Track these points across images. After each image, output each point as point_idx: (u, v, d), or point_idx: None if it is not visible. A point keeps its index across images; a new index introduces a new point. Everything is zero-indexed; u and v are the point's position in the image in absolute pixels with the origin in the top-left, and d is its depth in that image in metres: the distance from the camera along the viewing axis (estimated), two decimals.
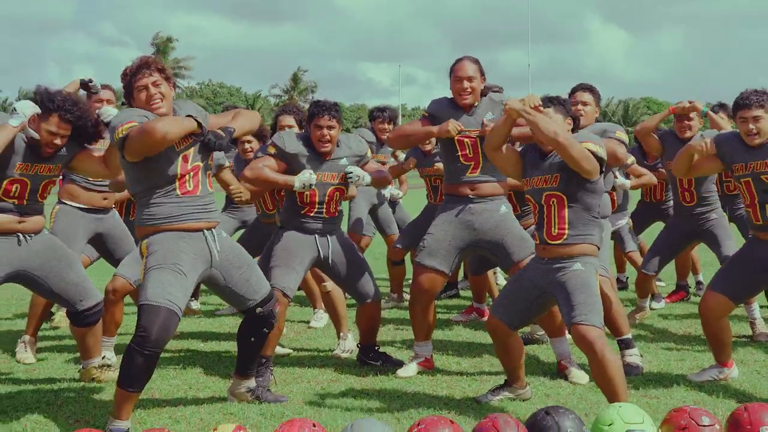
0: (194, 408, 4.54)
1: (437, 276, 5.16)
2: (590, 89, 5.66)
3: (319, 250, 5.24)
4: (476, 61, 5.25)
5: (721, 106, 7.28)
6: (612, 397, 3.99)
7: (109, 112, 4.69)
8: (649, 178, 6.86)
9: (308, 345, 6.14)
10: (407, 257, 7.74)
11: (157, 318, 3.95)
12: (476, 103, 5.23)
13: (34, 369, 5.45)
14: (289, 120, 5.99)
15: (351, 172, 5.17)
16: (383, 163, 7.46)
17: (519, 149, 4.65)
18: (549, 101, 4.37)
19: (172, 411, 4.49)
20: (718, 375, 4.92)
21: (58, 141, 4.45)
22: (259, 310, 4.45)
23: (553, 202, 4.30)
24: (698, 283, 8.09)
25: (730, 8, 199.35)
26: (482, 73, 5.25)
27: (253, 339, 4.56)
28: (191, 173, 4.19)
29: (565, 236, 4.23)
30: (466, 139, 5.15)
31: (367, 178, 5.24)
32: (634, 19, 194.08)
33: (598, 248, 4.32)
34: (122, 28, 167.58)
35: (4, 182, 4.41)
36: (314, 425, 3.46)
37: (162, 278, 4.05)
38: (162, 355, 4.26)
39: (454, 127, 5.10)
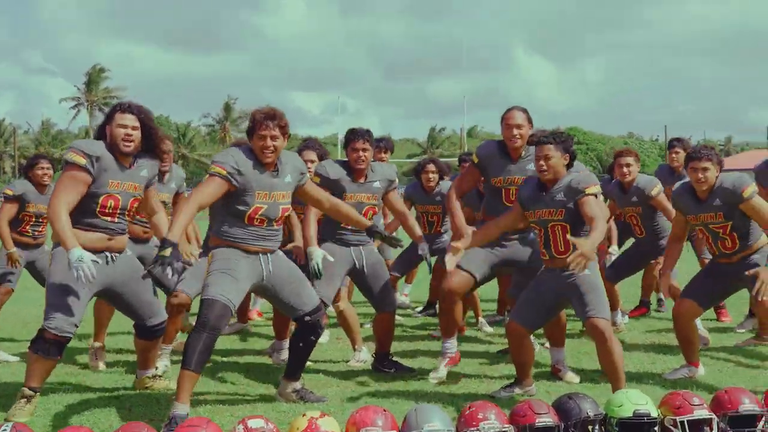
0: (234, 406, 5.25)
1: (469, 279, 5.80)
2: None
3: (355, 261, 6.09)
4: (525, 111, 5.85)
5: (678, 140, 8.28)
6: (614, 377, 4.95)
7: None
8: None
9: (321, 357, 6.83)
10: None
11: (214, 309, 4.81)
12: (523, 152, 5.84)
13: (91, 377, 6.05)
14: (311, 155, 6.71)
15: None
16: None
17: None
18: (552, 138, 5.19)
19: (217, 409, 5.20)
20: (689, 373, 5.82)
21: (129, 131, 5.07)
22: (307, 318, 5.20)
23: (558, 228, 5.17)
24: (659, 300, 9.06)
25: (651, 38, 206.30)
26: (530, 121, 5.84)
27: (301, 345, 5.31)
28: (258, 214, 5.00)
29: (571, 251, 5.07)
30: (512, 188, 5.80)
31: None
32: (557, 50, 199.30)
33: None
34: (49, 57, 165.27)
35: (101, 198, 5.02)
36: (384, 410, 4.21)
37: (220, 279, 4.90)
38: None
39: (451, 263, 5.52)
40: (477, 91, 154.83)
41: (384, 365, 6.26)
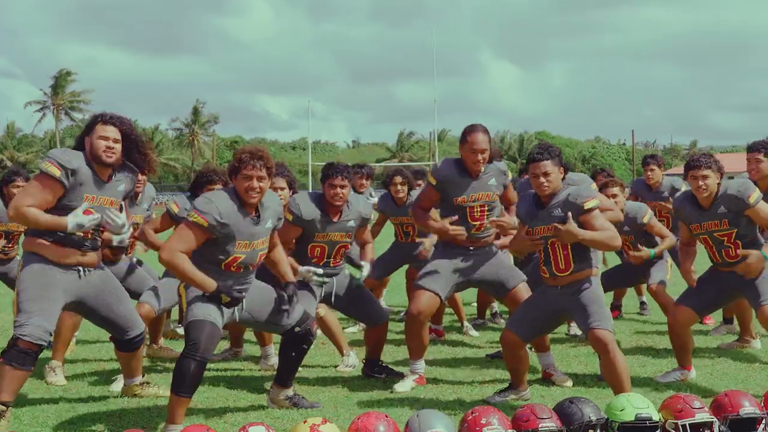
0: (232, 414, 5.17)
1: (436, 298, 5.79)
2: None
3: (321, 291, 6.03)
4: (486, 131, 5.74)
5: (652, 157, 8.34)
6: (619, 388, 4.85)
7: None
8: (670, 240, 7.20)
9: (309, 362, 6.75)
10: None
11: (204, 330, 4.65)
12: (483, 168, 5.77)
13: (71, 389, 5.93)
14: (281, 182, 6.33)
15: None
16: None
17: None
18: (547, 153, 5.12)
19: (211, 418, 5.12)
20: (681, 376, 5.83)
21: (110, 144, 4.94)
22: (297, 329, 5.12)
23: (557, 245, 5.12)
24: (642, 303, 9.08)
25: (616, 44, 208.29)
26: (491, 141, 5.77)
27: (293, 354, 5.22)
28: (236, 263, 4.85)
29: (571, 269, 5.07)
30: (476, 206, 5.77)
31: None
32: (523, 55, 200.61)
33: (597, 268, 5.19)
34: (13, 60, 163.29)
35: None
36: (386, 417, 4.16)
37: (204, 305, 4.76)
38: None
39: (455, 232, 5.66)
40: (445, 96, 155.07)
41: (374, 371, 6.20)
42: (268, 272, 5.50)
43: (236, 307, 4.90)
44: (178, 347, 7.32)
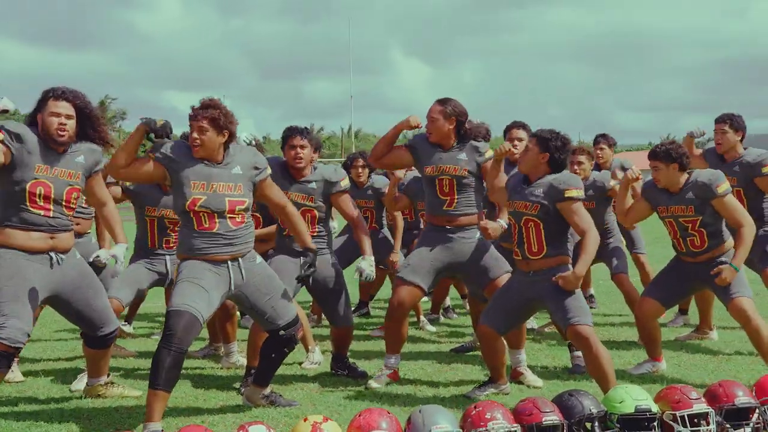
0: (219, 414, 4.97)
1: (417, 291, 5.63)
2: (523, 126, 6.51)
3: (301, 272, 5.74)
4: (443, 103, 5.63)
5: (603, 136, 8.35)
6: (604, 383, 4.79)
7: None
8: None
9: None
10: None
11: (181, 320, 4.44)
12: (454, 143, 5.66)
13: (26, 390, 5.60)
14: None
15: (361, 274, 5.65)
16: None
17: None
18: (527, 128, 5.11)
19: (202, 417, 4.90)
20: (652, 368, 5.84)
21: (63, 120, 4.70)
22: (282, 332, 4.91)
23: (531, 225, 5.05)
24: (590, 296, 9.12)
25: (527, 43, 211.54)
26: (447, 114, 5.58)
27: (273, 355, 5.02)
28: (203, 214, 4.63)
29: (544, 252, 5.01)
30: (444, 178, 5.64)
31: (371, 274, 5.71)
32: (434, 54, 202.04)
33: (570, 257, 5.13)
34: None
35: (28, 185, 4.61)
36: (388, 413, 4.02)
37: (186, 290, 4.54)
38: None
39: (415, 119, 5.58)
40: (356, 93, 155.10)
41: (338, 367, 6.04)
42: None
43: (232, 277, 4.71)
44: (129, 345, 7.08)
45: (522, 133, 6.46)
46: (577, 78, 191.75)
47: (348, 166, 8.17)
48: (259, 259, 4.92)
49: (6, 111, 4.92)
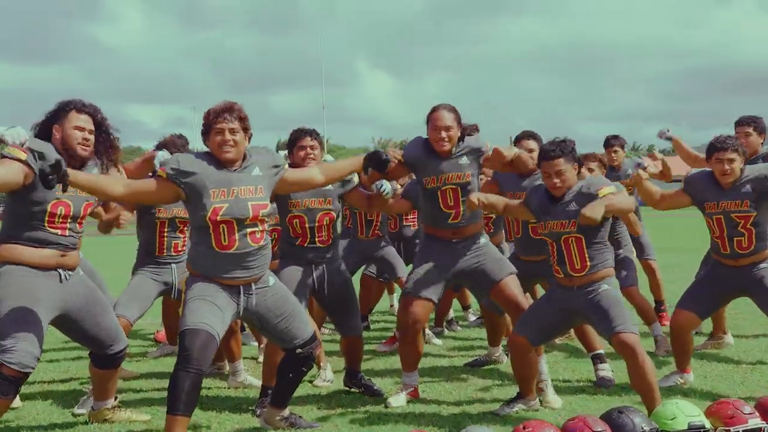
0: None
1: (429, 305, 5.38)
2: (534, 136, 6.29)
3: (315, 282, 5.51)
4: (453, 110, 5.32)
5: (615, 138, 8.10)
6: (649, 395, 4.56)
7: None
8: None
9: None
10: None
11: (198, 339, 4.16)
12: (454, 148, 5.33)
13: (25, 416, 5.27)
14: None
15: (381, 186, 5.26)
16: None
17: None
18: (561, 150, 4.82)
19: None
20: (680, 380, 5.64)
21: (86, 135, 4.48)
22: (299, 351, 4.64)
23: (572, 241, 4.82)
24: None
25: (491, 54, 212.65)
26: (459, 121, 5.31)
27: (291, 375, 4.75)
28: (223, 227, 4.34)
29: (588, 268, 4.79)
30: (448, 189, 5.33)
31: (388, 187, 5.31)
32: (399, 65, 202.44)
33: (614, 268, 4.91)
34: None
35: (49, 205, 4.37)
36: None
37: (200, 307, 4.27)
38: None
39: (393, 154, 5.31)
40: (321, 105, 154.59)
41: (353, 383, 5.78)
42: None
43: (242, 303, 4.45)
44: (125, 366, 6.74)
45: (534, 144, 6.23)
46: (541, 88, 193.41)
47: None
48: (272, 280, 4.64)
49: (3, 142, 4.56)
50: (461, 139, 5.36)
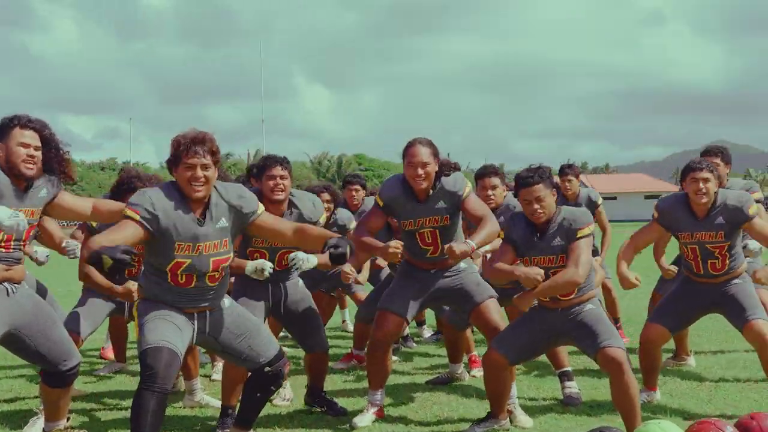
0: None
1: (401, 321, 5.22)
2: (496, 172, 6.25)
3: (270, 299, 5.35)
4: (430, 144, 5.12)
5: (569, 167, 8.12)
6: (632, 413, 4.48)
7: None
8: None
9: None
10: None
11: (161, 357, 3.94)
12: (431, 190, 5.13)
13: None
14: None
15: (293, 258, 4.97)
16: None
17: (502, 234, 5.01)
18: (538, 176, 4.68)
19: None
20: (647, 398, 5.56)
21: (32, 152, 4.23)
22: (267, 369, 4.43)
23: (558, 272, 4.68)
24: None
25: (427, 70, 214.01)
26: (436, 155, 5.11)
27: (259, 394, 4.53)
28: (178, 270, 4.15)
29: (575, 293, 4.70)
30: (425, 230, 5.19)
31: (313, 261, 5.07)
32: (336, 80, 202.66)
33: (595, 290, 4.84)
34: None
35: None
36: None
37: (159, 326, 4.07)
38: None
39: (395, 249, 4.96)
40: (259, 118, 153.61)
41: (315, 401, 5.60)
42: None
43: (197, 325, 4.24)
44: (76, 384, 6.45)
45: (497, 180, 6.23)
46: (476, 105, 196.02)
47: (341, 187, 7.84)
48: (227, 302, 4.44)
49: None
50: (438, 178, 5.15)
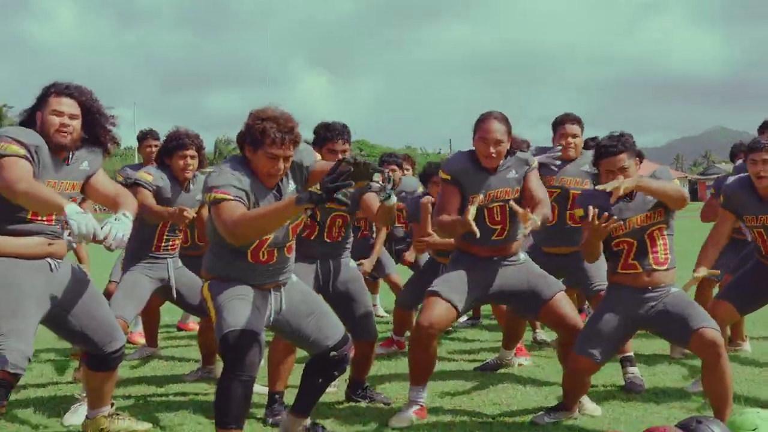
0: None
1: (452, 310, 4.74)
2: (578, 120, 5.89)
3: (320, 278, 5.06)
4: (505, 120, 4.75)
5: (593, 140, 7.71)
6: (724, 404, 4.19)
7: None
8: None
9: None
10: None
11: (245, 342, 3.73)
12: (501, 161, 4.80)
13: (11, 424, 4.69)
14: None
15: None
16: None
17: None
18: (623, 146, 4.41)
19: None
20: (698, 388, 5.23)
21: (65, 120, 3.96)
22: (333, 353, 4.17)
23: (655, 233, 4.45)
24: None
25: (426, 58, 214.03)
26: (509, 132, 4.76)
27: (320, 380, 4.26)
28: (263, 247, 3.95)
29: (669, 261, 4.44)
30: (495, 206, 4.79)
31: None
32: (335, 67, 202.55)
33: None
34: None
35: None
36: None
37: (239, 308, 3.84)
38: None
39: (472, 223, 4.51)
40: (256, 104, 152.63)
41: (357, 394, 5.29)
42: None
43: (272, 310, 4.03)
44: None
45: (577, 129, 5.85)
46: (474, 92, 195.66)
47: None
48: (294, 277, 4.23)
49: None
50: (510, 152, 4.84)
